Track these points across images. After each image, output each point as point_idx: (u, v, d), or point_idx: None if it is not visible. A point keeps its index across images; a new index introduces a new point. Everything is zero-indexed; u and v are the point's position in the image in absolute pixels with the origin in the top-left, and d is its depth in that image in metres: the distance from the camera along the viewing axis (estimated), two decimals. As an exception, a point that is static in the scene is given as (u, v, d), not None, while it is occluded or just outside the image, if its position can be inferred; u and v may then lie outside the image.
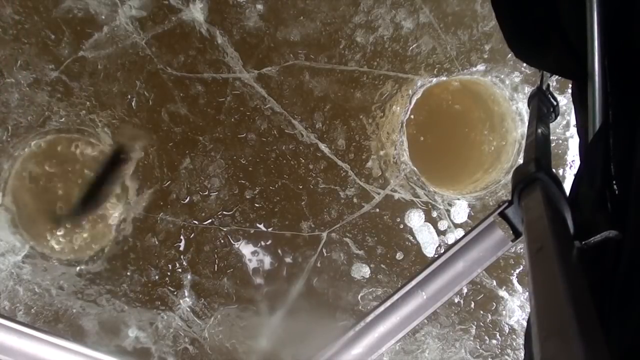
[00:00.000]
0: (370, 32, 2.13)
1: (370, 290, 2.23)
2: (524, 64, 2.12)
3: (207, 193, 2.18)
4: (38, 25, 2.08)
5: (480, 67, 2.16)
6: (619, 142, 0.68)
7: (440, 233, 2.23)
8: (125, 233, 2.17)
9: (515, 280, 2.24)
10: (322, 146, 2.18)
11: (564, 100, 2.03)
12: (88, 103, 2.13)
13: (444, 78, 2.18)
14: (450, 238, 2.24)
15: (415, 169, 2.21)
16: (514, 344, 2.26)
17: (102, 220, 2.25)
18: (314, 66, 2.13)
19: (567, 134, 2.20)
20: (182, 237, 2.19)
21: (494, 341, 2.26)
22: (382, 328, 0.77)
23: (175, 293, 2.20)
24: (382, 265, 2.23)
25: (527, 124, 1.29)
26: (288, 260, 2.22)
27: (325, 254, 2.21)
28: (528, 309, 2.07)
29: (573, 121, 2.17)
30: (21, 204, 2.22)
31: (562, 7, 0.81)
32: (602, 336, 0.39)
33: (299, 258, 2.22)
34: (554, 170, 0.75)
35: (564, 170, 2.23)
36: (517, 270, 2.24)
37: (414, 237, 2.23)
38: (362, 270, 2.22)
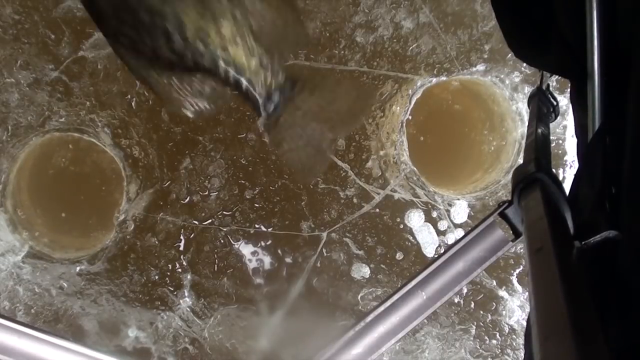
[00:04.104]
0: (370, 32, 2.13)
1: (370, 290, 2.23)
2: (524, 64, 2.12)
3: (207, 193, 2.18)
4: (38, 25, 2.08)
5: (480, 67, 2.16)
6: (616, 142, 0.68)
7: (440, 233, 2.23)
8: (126, 233, 2.18)
9: (515, 280, 2.24)
10: (322, 146, 2.18)
11: (564, 100, 2.03)
12: (88, 103, 2.13)
13: (444, 78, 2.18)
14: (450, 238, 2.24)
15: (415, 169, 2.21)
16: (514, 344, 2.26)
17: (103, 220, 2.25)
18: (314, 66, 2.13)
19: (567, 134, 2.20)
20: (182, 237, 2.19)
21: (494, 341, 2.26)
22: (382, 328, 0.77)
23: (175, 293, 2.20)
24: (382, 265, 2.23)
25: (527, 124, 1.29)
26: (288, 260, 2.22)
27: (325, 254, 2.21)
28: (528, 309, 2.07)
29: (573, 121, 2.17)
30: (20, 203, 2.22)
31: (562, 7, 0.81)
32: (602, 336, 0.39)
33: (299, 258, 2.22)
34: (554, 170, 0.75)
35: (564, 170, 2.23)
36: (517, 270, 2.24)
37: (414, 237, 2.23)
38: (362, 270, 2.22)
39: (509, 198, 0.75)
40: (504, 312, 2.25)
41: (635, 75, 0.59)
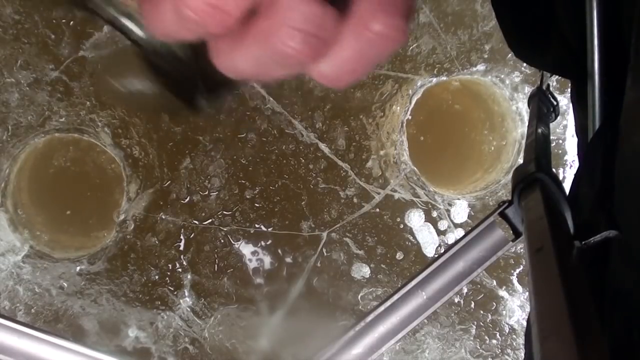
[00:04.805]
0: (370, 32, 2.13)
1: (370, 290, 2.23)
2: (524, 64, 2.12)
3: (207, 193, 2.18)
4: (38, 25, 2.08)
5: (480, 67, 2.16)
6: (615, 141, 0.68)
7: (440, 233, 2.23)
8: (126, 233, 2.18)
9: (515, 280, 2.24)
10: (322, 146, 2.18)
11: (564, 100, 2.03)
12: (88, 103, 2.13)
13: (444, 78, 2.18)
14: (450, 238, 2.24)
15: (415, 168, 2.21)
16: (514, 343, 2.26)
17: (103, 220, 2.25)
18: (314, 66, 2.12)
19: (567, 134, 2.20)
20: (182, 237, 2.19)
21: (494, 341, 2.26)
22: (382, 328, 0.77)
23: (175, 293, 2.20)
24: (382, 265, 2.23)
25: (527, 123, 1.29)
26: (288, 260, 2.22)
27: (325, 254, 2.21)
28: (528, 309, 2.07)
29: (573, 121, 2.17)
30: (20, 203, 2.23)
31: (562, 7, 0.81)
32: (602, 336, 0.39)
33: (299, 258, 2.22)
34: (554, 170, 0.75)
35: (564, 170, 2.23)
36: (517, 270, 2.24)
37: (414, 237, 2.23)
38: (362, 270, 2.22)
39: (509, 198, 0.75)
40: (504, 312, 2.25)
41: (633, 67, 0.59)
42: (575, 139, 0.92)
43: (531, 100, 1.18)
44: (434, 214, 2.23)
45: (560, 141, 2.21)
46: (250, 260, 2.21)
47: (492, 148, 2.32)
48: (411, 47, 2.15)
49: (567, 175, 2.23)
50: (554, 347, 0.38)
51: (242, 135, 2.17)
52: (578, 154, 0.93)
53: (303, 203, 2.20)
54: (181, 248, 2.19)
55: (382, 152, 2.20)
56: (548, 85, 1.20)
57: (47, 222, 2.26)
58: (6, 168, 2.15)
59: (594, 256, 0.62)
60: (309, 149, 2.18)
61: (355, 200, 2.20)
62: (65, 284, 2.18)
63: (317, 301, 2.23)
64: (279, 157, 2.18)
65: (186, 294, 2.20)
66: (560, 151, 2.21)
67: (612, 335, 0.55)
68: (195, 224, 2.19)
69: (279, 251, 2.22)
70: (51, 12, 2.08)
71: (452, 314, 2.25)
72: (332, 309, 2.23)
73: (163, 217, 2.18)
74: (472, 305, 2.25)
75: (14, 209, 2.21)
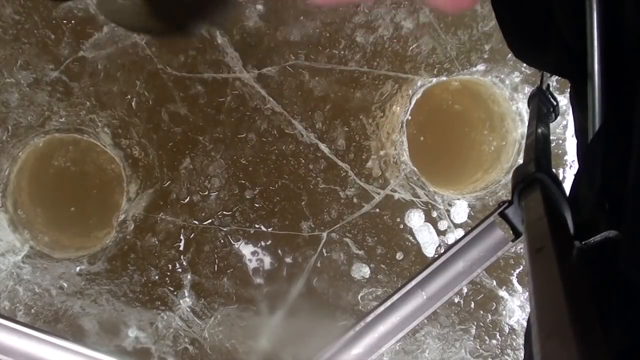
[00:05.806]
0: (370, 32, 2.13)
1: (370, 290, 2.23)
2: (524, 64, 2.12)
3: (207, 193, 2.18)
4: (38, 25, 2.08)
5: (480, 67, 2.16)
6: (616, 142, 0.68)
7: (440, 233, 2.24)
8: (126, 233, 2.18)
9: (515, 280, 2.24)
10: (322, 146, 2.18)
11: (564, 100, 2.03)
12: (88, 103, 2.13)
13: (444, 78, 2.18)
14: (450, 238, 2.24)
15: (415, 169, 2.21)
16: (514, 344, 2.26)
17: (103, 220, 2.25)
18: (314, 66, 2.13)
19: (567, 134, 2.20)
20: (182, 237, 2.19)
21: (494, 341, 2.26)
22: (382, 328, 0.77)
23: (175, 293, 2.20)
24: (382, 265, 2.23)
25: (527, 124, 1.29)
26: (288, 260, 2.22)
27: (325, 254, 2.21)
28: (528, 309, 2.07)
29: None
30: (20, 203, 2.22)
31: (562, 7, 0.81)
32: (602, 336, 0.39)
33: (299, 258, 2.22)
34: (554, 170, 0.75)
35: (564, 170, 2.23)
36: (517, 270, 2.24)
37: (414, 237, 2.23)
38: (362, 270, 2.22)
39: (509, 198, 0.75)
40: (504, 312, 2.25)
41: None
42: (575, 139, 0.92)
43: (531, 100, 1.18)
44: (434, 214, 2.23)
45: (560, 141, 2.21)
46: (250, 260, 2.21)
47: (492, 148, 2.32)
48: (411, 47, 2.15)
49: (567, 175, 2.23)
50: (555, 347, 0.39)
51: (242, 136, 2.17)
52: (578, 155, 0.93)
53: (303, 203, 2.20)
54: (181, 248, 2.19)
55: (382, 152, 2.20)
56: (548, 85, 1.21)
57: (47, 222, 2.26)
58: (6, 168, 2.15)
59: (594, 256, 0.62)
60: (309, 149, 2.18)
61: (355, 200, 2.20)
62: (65, 284, 2.18)
63: (317, 301, 2.23)
64: (279, 157, 2.18)
65: (186, 294, 2.20)
66: (560, 151, 2.21)
67: (625, 334, 0.55)
68: (195, 224, 2.19)
69: (279, 251, 2.22)
70: (51, 12, 2.08)
71: (452, 314, 2.25)
72: (332, 309, 2.23)
73: (163, 217, 2.18)
74: (472, 305, 2.25)
75: (14, 209, 2.20)
